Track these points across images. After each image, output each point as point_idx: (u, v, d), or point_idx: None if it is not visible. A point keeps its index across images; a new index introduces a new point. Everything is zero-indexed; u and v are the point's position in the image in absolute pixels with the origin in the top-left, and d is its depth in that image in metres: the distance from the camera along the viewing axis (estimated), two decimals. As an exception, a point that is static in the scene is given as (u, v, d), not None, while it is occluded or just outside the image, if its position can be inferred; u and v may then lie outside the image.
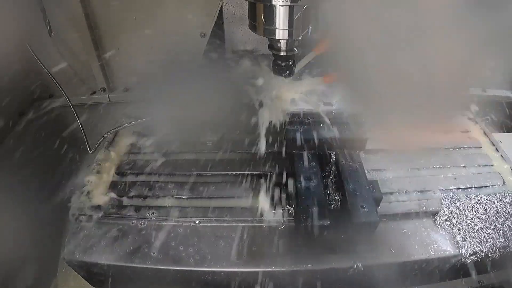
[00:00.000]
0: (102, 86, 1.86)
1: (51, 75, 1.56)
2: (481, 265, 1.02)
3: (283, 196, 1.02)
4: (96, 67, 1.79)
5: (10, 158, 1.56)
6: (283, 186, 1.04)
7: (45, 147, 1.76)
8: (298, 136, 1.04)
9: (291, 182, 1.02)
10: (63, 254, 0.99)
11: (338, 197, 0.99)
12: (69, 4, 1.59)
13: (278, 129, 1.10)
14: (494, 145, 1.29)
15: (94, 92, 1.88)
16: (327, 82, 1.00)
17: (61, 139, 1.90)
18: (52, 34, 1.64)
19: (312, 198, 0.93)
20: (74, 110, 1.47)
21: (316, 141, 1.04)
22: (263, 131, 1.09)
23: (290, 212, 1.01)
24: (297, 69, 1.03)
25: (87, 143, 1.33)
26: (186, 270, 0.94)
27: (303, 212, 0.90)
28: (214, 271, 0.94)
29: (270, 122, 1.08)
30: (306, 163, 1.03)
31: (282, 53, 0.94)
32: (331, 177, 1.04)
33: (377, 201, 1.00)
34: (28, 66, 1.65)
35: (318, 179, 0.99)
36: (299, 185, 0.97)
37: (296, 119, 1.07)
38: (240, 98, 1.12)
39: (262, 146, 1.12)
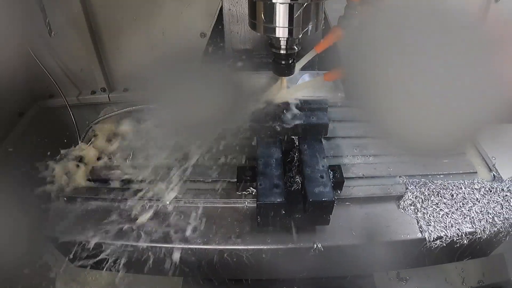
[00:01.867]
0: (102, 86, 1.86)
1: (50, 76, 1.57)
2: (452, 251, 1.02)
3: (247, 178, 1.04)
4: (96, 67, 1.79)
5: (10, 158, 1.56)
6: (247, 170, 1.06)
7: (45, 147, 1.76)
8: (262, 121, 1.06)
9: (255, 166, 1.04)
10: (44, 232, 1.04)
11: (299, 180, 1.01)
12: (69, 4, 1.59)
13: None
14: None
15: (94, 92, 1.89)
16: (328, 80, 1.00)
17: (61, 139, 1.90)
18: (52, 34, 1.65)
19: (271, 179, 0.95)
20: (70, 109, 1.48)
21: (280, 127, 1.06)
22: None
23: (254, 194, 1.03)
24: (297, 67, 1.03)
25: (79, 137, 1.35)
26: (154, 246, 0.98)
27: (262, 191, 0.92)
28: (180, 248, 0.98)
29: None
30: (269, 147, 1.06)
31: (282, 52, 0.94)
32: (294, 161, 1.07)
33: (340, 184, 1.02)
34: (28, 66, 1.65)
35: (278, 162, 1.01)
36: (261, 168, 0.99)
37: (264, 107, 1.09)
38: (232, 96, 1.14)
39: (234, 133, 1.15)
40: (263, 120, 1.05)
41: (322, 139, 1.09)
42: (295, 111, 1.07)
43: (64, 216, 1.07)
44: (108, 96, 1.88)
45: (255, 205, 0.99)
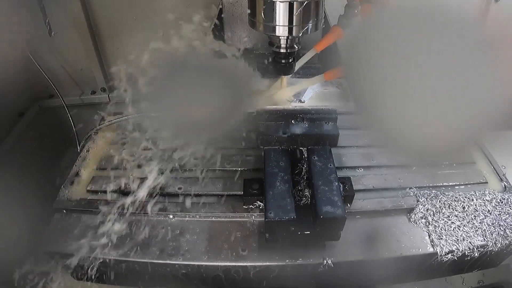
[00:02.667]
0: (102, 86, 1.86)
1: (48, 78, 1.57)
2: (462, 263, 1.00)
3: (254, 192, 1.01)
4: (96, 67, 1.79)
5: (10, 158, 1.56)
6: (254, 182, 1.03)
7: (45, 147, 1.76)
8: (271, 132, 1.04)
9: (261, 179, 1.02)
10: (42, 245, 1.02)
11: (308, 193, 0.98)
12: (69, 4, 1.59)
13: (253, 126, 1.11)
14: (476, 142, 1.26)
15: (94, 92, 1.88)
16: (328, 79, 1.00)
17: (61, 139, 1.90)
18: (52, 34, 1.65)
19: (280, 194, 0.92)
20: (67, 109, 1.48)
21: (288, 138, 1.04)
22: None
23: (261, 207, 1.01)
24: (297, 66, 1.03)
25: (77, 143, 1.34)
26: (159, 263, 0.95)
27: (270, 207, 0.89)
28: (183, 265, 0.95)
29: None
30: (276, 159, 1.02)
31: (282, 50, 0.93)
32: (302, 174, 1.03)
33: (350, 198, 1.00)
34: (28, 66, 1.65)
35: (288, 175, 0.97)
36: (268, 181, 0.96)
37: (270, 116, 1.07)
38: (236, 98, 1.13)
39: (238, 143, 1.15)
40: (270, 130, 1.03)
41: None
42: (303, 121, 1.06)
43: (63, 229, 1.05)
44: (108, 96, 1.88)
45: (263, 219, 0.97)
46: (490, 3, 1.69)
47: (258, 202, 1.01)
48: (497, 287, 1.51)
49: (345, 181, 1.00)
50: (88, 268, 0.98)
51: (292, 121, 1.06)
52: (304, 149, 1.06)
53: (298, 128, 1.04)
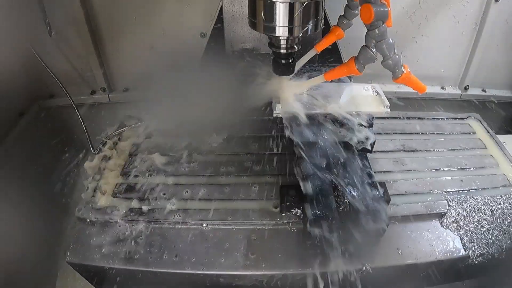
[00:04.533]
0: (102, 86, 1.86)
1: (54, 76, 1.56)
2: (490, 266, 1.02)
3: (292, 198, 1.01)
4: (96, 67, 1.79)
5: (10, 158, 1.56)
6: (291, 189, 1.03)
7: (45, 147, 1.76)
8: (307, 138, 1.02)
9: (299, 185, 1.00)
10: (66, 256, 0.97)
11: (347, 200, 0.98)
12: (69, 4, 1.59)
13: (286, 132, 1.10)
14: (499, 146, 1.29)
15: (94, 92, 1.89)
16: (328, 79, 1.00)
17: (61, 139, 1.90)
18: (52, 34, 1.65)
19: (322, 201, 0.93)
20: (77, 110, 1.47)
21: (325, 144, 1.03)
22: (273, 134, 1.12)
23: (298, 215, 1.00)
24: (297, 67, 1.03)
25: (90, 143, 1.32)
26: (192, 273, 0.93)
27: (312, 214, 0.90)
28: (220, 274, 0.94)
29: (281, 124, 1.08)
30: (314, 166, 1.01)
31: (282, 51, 0.93)
32: (339, 180, 1.02)
33: (386, 203, 1.00)
34: (28, 66, 1.65)
35: (327, 181, 0.98)
36: (307, 188, 0.96)
37: (306, 121, 1.05)
38: (243, 98, 1.12)
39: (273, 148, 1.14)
40: (306, 136, 1.02)
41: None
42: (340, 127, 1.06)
43: (87, 240, 1.01)
44: (108, 96, 1.88)
45: (301, 226, 0.98)
46: (490, 3, 1.70)
47: (296, 209, 1.01)
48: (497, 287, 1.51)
49: (381, 186, 1.01)
50: (111, 278, 0.97)
51: (329, 127, 1.05)
52: (340, 155, 1.05)
53: (334, 135, 1.04)
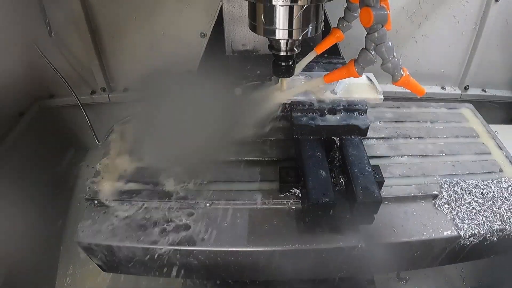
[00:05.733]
0: (102, 86, 1.86)
1: (60, 73, 1.57)
2: (482, 248, 1.05)
3: (290, 179, 1.04)
4: (96, 67, 1.79)
5: (10, 158, 1.56)
6: (290, 171, 1.06)
7: (45, 147, 1.77)
8: (305, 123, 1.07)
9: (297, 167, 1.05)
10: (76, 237, 0.99)
11: (342, 181, 1.02)
12: (69, 4, 1.59)
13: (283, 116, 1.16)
14: (491, 135, 1.33)
15: (94, 92, 1.89)
16: (327, 82, 1.00)
17: (60, 139, 1.91)
18: (52, 34, 1.65)
19: (320, 179, 0.96)
20: (81, 106, 1.48)
21: (322, 127, 1.07)
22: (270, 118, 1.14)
23: (297, 194, 1.03)
24: (297, 69, 1.03)
25: (94, 135, 1.34)
26: (197, 250, 0.96)
27: (310, 193, 0.92)
28: (221, 251, 0.97)
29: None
30: (312, 148, 1.06)
31: (282, 53, 0.93)
32: (335, 162, 1.08)
33: (380, 185, 1.03)
34: (29, 66, 1.66)
35: (324, 163, 1.02)
36: (305, 169, 0.99)
37: (302, 107, 1.10)
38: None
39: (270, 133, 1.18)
40: (305, 120, 1.07)
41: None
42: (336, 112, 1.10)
43: (96, 221, 1.03)
44: (108, 96, 1.89)
45: (299, 206, 1.02)
46: (490, 3, 1.70)
47: (295, 189, 1.04)
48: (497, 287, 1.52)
49: (375, 169, 1.04)
50: (118, 259, 1.00)
51: (326, 112, 1.10)
52: (336, 139, 1.10)
53: (331, 118, 1.09)
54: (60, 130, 1.90)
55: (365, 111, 1.10)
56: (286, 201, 1.05)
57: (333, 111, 1.10)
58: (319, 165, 1.00)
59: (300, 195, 1.03)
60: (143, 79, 1.63)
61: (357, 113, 1.10)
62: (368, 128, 1.08)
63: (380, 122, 1.36)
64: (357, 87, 1.14)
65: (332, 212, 0.93)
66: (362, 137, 1.10)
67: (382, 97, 1.12)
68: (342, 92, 1.12)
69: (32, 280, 1.52)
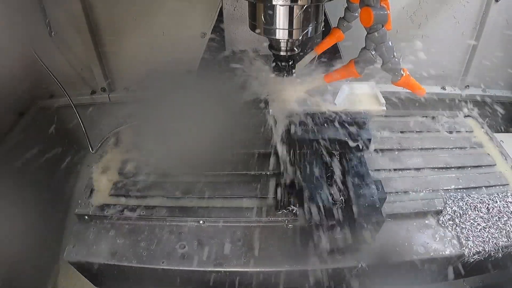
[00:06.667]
0: (102, 86, 1.86)
1: (54, 77, 1.56)
2: (486, 264, 1.03)
3: (287, 196, 1.02)
4: (96, 67, 1.79)
5: (10, 157, 1.56)
6: (287, 187, 1.04)
7: (45, 147, 1.76)
8: (303, 136, 1.03)
9: (295, 183, 1.02)
10: (64, 254, 0.98)
11: (342, 197, 0.99)
12: (69, 4, 1.59)
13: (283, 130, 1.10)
14: (496, 145, 1.29)
15: (94, 92, 1.89)
16: (328, 81, 1.00)
17: (61, 139, 1.90)
18: (52, 34, 1.65)
19: (316, 198, 0.93)
20: (76, 111, 1.47)
21: (320, 142, 1.03)
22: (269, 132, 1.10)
23: (294, 212, 1.00)
24: (297, 68, 1.03)
25: (89, 143, 1.33)
26: (190, 270, 0.94)
27: (307, 212, 0.90)
28: (217, 271, 0.94)
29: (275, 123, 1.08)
30: (310, 163, 1.03)
31: (282, 53, 0.93)
32: (335, 177, 1.04)
33: (382, 201, 1.00)
34: (28, 66, 1.65)
35: (323, 179, 0.99)
36: (303, 186, 0.96)
37: (300, 119, 1.05)
38: (241, 97, 1.12)
39: (268, 147, 1.13)
40: (304, 134, 1.02)
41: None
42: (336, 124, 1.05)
43: (85, 237, 1.02)
44: (108, 96, 1.88)
45: (296, 223, 0.99)
46: (490, 3, 1.70)
47: (292, 206, 1.01)
48: (498, 287, 1.52)
49: (377, 184, 1.01)
50: (107, 274, 0.99)
51: (326, 125, 1.05)
52: (336, 153, 1.06)
53: (331, 132, 1.04)
54: (60, 130, 1.89)
55: (367, 123, 1.05)
56: (283, 219, 1.02)
57: (333, 123, 1.05)
58: (318, 181, 0.97)
59: (297, 213, 0.99)
60: (143, 79, 1.63)
61: (358, 125, 1.04)
62: (370, 141, 1.04)
63: (382, 132, 1.32)
64: (359, 97, 1.10)
65: (330, 231, 0.91)
66: (363, 150, 1.06)
67: (385, 108, 1.07)
68: (343, 103, 1.07)
69: (33, 280, 1.51)
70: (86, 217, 1.05)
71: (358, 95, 1.11)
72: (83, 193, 1.12)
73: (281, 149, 1.12)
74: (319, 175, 0.99)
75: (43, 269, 1.57)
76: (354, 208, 0.90)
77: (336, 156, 1.06)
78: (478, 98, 1.98)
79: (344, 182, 0.99)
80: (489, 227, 1.02)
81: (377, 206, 0.90)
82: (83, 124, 1.47)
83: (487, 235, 1.01)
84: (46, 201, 1.68)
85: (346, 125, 1.04)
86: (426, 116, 1.42)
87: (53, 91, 1.86)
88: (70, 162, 1.93)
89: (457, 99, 1.97)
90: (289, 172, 1.07)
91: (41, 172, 1.72)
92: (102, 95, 1.88)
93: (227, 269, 0.94)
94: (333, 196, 0.99)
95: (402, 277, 1.05)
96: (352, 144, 1.02)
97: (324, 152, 1.05)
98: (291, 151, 1.06)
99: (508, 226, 1.03)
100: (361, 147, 1.04)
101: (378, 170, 1.18)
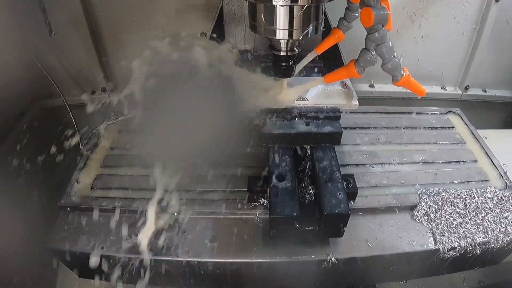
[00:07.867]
0: (102, 86, 1.86)
1: (49, 77, 1.56)
2: (464, 260, 1.02)
3: (258, 189, 1.02)
4: (96, 67, 1.79)
5: (10, 158, 1.56)
6: (258, 180, 1.03)
7: (45, 147, 1.76)
8: (274, 131, 1.03)
9: (266, 176, 1.01)
10: (47, 243, 1.00)
11: (312, 191, 0.99)
12: (69, 4, 1.59)
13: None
14: (479, 141, 1.28)
15: (94, 92, 1.89)
16: (328, 82, 1.00)
17: (61, 139, 1.90)
18: (53, 34, 1.65)
19: (285, 191, 0.93)
20: (70, 109, 1.48)
21: (292, 136, 1.03)
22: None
23: (264, 204, 1.01)
24: (297, 69, 1.03)
25: (80, 142, 1.34)
26: (163, 260, 0.96)
27: (271, 205, 0.90)
28: (188, 261, 0.95)
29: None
30: (281, 157, 1.02)
31: (282, 53, 0.93)
32: (306, 171, 1.04)
33: (353, 195, 1.01)
34: (29, 66, 1.65)
35: (292, 172, 0.98)
36: (273, 179, 0.96)
37: (273, 115, 1.06)
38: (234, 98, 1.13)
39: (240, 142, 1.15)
40: (274, 128, 1.03)
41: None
42: (307, 119, 1.05)
43: (68, 227, 1.04)
44: (108, 96, 1.88)
45: (267, 216, 0.98)
46: (490, 3, 1.70)
47: (263, 199, 1.02)
48: (498, 287, 1.52)
49: (349, 178, 1.01)
50: (92, 266, 0.97)
51: (296, 119, 1.05)
52: (307, 147, 1.06)
53: (301, 126, 1.04)
54: (60, 130, 1.89)
55: (338, 118, 1.05)
56: (254, 212, 1.02)
57: (304, 118, 1.05)
58: (286, 175, 0.96)
59: (267, 206, 0.98)
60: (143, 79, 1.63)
61: (329, 120, 1.04)
62: (341, 135, 1.04)
63: (357, 128, 1.31)
64: (331, 93, 1.09)
65: (297, 225, 0.90)
66: (337, 145, 1.06)
67: (357, 103, 1.06)
68: (315, 99, 1.07)
69: (32, 280, 1.51)
70: (68, 208, 1.07)
71: (331, 90, 1.10)
72: (68, 185, 1.16)
73: (254, 144, 1.15)
74: (287, 170, 0.98)
75: (42, 269, 1.57)
76: (323, 201, 0.89)
77: (307, 151, 1.06)
78: (478, 98, 1.99)
79: (314, 176, 0.98)
80: (466, 222, 1.01)
81: (345, 199, 0.89)
82: (75, 123, 1.47)
83: (463, 230, 0.99)
84: (46, 201, 1.68)
85: (316, 119, 1.05)
86: (407, 112, 1.39)
87: (53, 91, 1.86)
88: (70, 162, 1.93)
89: (457, 99, 1.98)
90: (260, 166, 1.08)
91: (40, 172, 1.72)
92: (102, 95, 1.88)
93: (196, 259, 0.95)
94: (303, 190, 1.00)
95: (374, 272, 1.04)
96: (320, 138, 1.03)
97: (294, 147, 1.06)
98: (263, 146, 1.07)
99: (486, 222, 1.01)
100: (331, 141, 1.04)
101: (353, 165, 1.17)
